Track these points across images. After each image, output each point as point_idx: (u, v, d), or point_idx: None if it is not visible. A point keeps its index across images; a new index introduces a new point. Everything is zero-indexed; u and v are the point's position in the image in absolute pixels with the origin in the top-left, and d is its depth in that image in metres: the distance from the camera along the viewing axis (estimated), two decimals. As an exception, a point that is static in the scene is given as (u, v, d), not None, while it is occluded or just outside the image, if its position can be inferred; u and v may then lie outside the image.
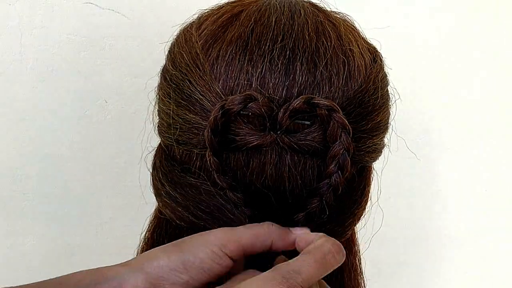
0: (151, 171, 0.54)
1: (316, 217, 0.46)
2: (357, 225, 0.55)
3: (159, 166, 0.52)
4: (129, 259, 0.46)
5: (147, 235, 0.56)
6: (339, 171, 0.45)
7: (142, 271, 0.42)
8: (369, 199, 0.53)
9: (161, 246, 0.45)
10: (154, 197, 0.57)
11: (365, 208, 0.52)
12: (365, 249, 0.59)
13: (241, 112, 0.44)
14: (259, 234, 0.44)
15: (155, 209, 0.56)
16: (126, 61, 0.85)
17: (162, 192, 0.51)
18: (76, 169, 0.86)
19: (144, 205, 0.67)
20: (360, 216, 0.52)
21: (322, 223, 0.47)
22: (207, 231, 0.45)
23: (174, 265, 0.42)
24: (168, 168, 0.51)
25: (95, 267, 0.44)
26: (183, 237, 0.48)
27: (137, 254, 0.57)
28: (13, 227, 0.87)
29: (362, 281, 0.55)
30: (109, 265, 0.45)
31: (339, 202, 0.48)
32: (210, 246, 0.43)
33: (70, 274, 0.43)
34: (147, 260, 0.43)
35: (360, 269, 0.55)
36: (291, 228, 0.45)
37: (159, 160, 0.53)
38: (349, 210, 0.49)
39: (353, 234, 0.54)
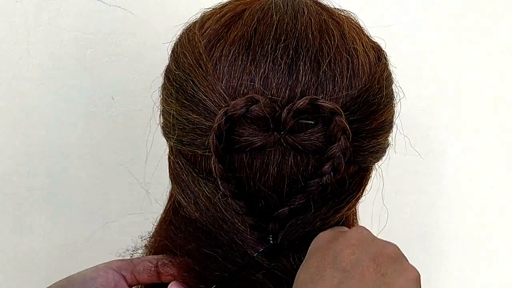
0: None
1: (299, 214, 0.47)
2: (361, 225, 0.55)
3: (175, 163, 0.52)
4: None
5: (160, 227, 0.56)
6: (332, 173, 0.45)
7: None
8: (362, 196, 0.52)
9: None
10: (158, 195, 0.57)
11: (354, 205, 0.52)
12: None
13: (245, 115, 0.44)
14: None
15: (170, 203, 0.56)
16: (132, 58, 0.85)
17: (184, 188, 0.51)
18: (82, 165, 0.87)
19: (150, 201, 0.67)
20: (348, 211, 0.52)
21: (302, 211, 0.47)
22: None
23: None
24: (183, 167, 0.51)
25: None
26: (200, 233, 0.50)
27: (145, 249, 0.57)
28: (20, 224, 0.87)
29: None
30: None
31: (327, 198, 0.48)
32: None
33: None
34: None
35: None
36: None
37: (169, 157, 0.53)
38: (335, 206, 0.49)
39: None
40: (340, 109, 0.44)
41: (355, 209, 0.55)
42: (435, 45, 0.93)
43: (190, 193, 0.50)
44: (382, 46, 0.53)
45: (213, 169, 0.45)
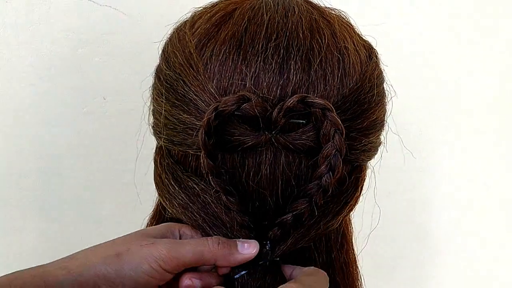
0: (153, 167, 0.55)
1: (304, 219, 0.46)
2: (353, 223, 0.55)
3: (158, 164, 0.52)
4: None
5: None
6: (330, 172, 0.44)
7: (81, 277, 0.44)
8: (360, 196, 0.52)
9: (104, 250, 0.46)
10: (149, 195, 0.57)
11: (354, 207, 0.52)
12: (364, 245, 0.59)
13: (235, 113, 0.44)
14: (202, 253, 0.45)
15: (156, 206, 0.56)
16: (124, 58, 0.84)
17: (162, 189, 0.51)
18: (74, 166, 0.86)
19: (143, 202, 0.67)
20: (349, 213, 0.51)
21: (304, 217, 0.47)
22: (153, 242, 0.45)
23: (111, 276, 0.44)
24: (165, 167, 0.50)
25: (39, 264, 0.46)
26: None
27: None
28: (12, 225, 0.87)
29: (357, 278, 0.54)
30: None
31: (327, 201, 0.48)
32: (150, 262, 0.44)
33: (17, 274, 0.45)
34: (85, 267, 0.45)
35: (356, 266, 0.54)
36: (238, 243, 0.46)
37: (157, 158, 0.53)
38: (336, 208, 0.49)
39: (346, 229, 0.53)
40: (331, 105, 0.44)
41: None
42: (435, 45, 0.93)
43: (172, 197, 0.49)
44: (373, 44, 0.53)
45: (202, 164, 0.44)
